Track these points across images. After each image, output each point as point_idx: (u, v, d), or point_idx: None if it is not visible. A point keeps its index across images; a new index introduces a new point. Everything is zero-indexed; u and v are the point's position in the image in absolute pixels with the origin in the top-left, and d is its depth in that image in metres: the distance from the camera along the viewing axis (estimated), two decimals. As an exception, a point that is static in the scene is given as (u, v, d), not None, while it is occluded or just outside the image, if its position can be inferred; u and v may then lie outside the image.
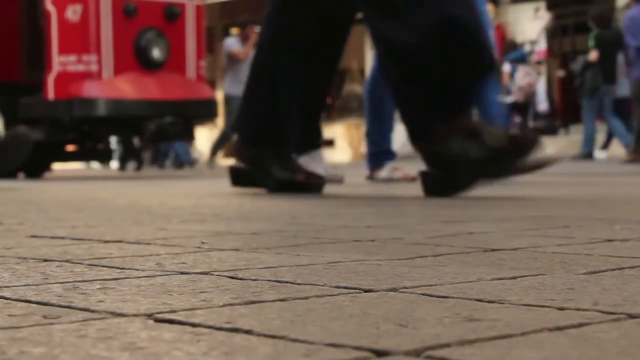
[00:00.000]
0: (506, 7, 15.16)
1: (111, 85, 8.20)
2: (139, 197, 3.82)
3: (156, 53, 8.37)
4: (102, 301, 1.03)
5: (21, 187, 5.36)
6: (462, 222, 2.18)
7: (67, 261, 1.44)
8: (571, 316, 0.90)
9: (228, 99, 12.00)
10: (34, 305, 1.01)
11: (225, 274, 1.27)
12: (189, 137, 9.03)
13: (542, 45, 15.68)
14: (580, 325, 0.86)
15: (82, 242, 1.77)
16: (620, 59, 11.46)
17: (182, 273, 1.28)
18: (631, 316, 0.90)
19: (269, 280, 1.19)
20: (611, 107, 11.86)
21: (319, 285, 1.14)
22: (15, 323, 0.89)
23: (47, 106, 8.29)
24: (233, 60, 12.14)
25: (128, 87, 8.27)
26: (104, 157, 10.04)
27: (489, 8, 13.11)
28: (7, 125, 8.87)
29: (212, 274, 1.26)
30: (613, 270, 1.28)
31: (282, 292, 1.09)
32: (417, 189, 4.27)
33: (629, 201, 3.18)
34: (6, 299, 1.06)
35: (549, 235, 1.81)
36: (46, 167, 9.47)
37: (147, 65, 8.35)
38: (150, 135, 8.52)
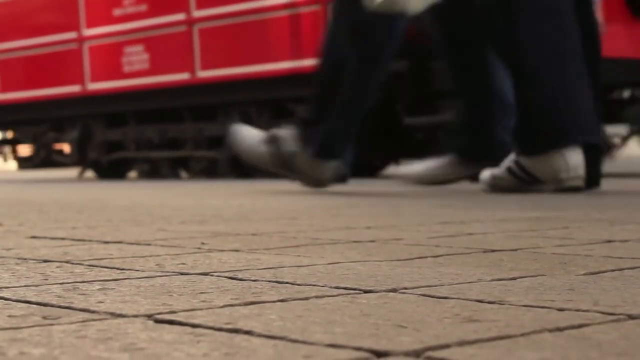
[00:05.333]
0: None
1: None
2: (139, 198, 3.82)
3: None
4: (102, 302, 1.03)
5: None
6: (462, 223, 2.18)
7: (67, 262, 1.44)
8: (571, 317, 0.90)
9: None
10: (34, 306, 1.01)
11: (225, 274, 1.27)
12: None
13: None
14: (580, 326, 0.86)
15: (82, 242, 1.77)
16: None
17: (182, 274, 1.28)
18: (631, 317, 0.90)
19: (269, 281, 1.19)
20: None
21: (319, 286, 1.14)
22: (15, 324, 0.89)
23: None
24: None
25: (621, 42, 6.05)
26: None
27: None
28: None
29: (212, 275, 1.26)
30: (613, 271, 1.28)
31: (282, 292, 1.09)
32: (415, 188, 4.27)
33: (626, 202, 3.18)
34: (6, 299, 1.06)
35: (549, 236, 1.82)
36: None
37: (637, 10, 6.14)
38: None
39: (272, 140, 4.23)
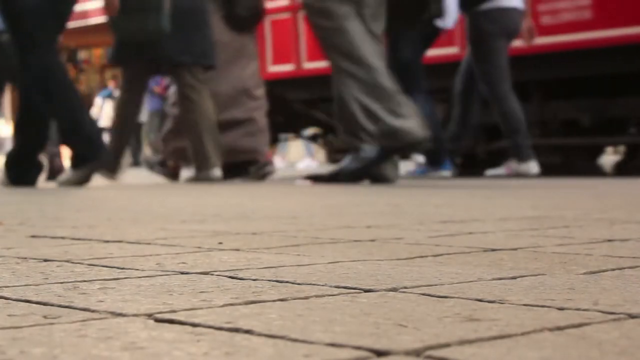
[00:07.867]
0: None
1: None
2: (139, 197, 3.82)
3: None
4: (102, 301, 1.03)
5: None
6: (462, 222, 2.18)
7: (67, 261, 1.44)
8: (571, 316, 0.90)
9: None
10: (34, 305, 1.01)
11: (226, 273, 1.27)
12: None
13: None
14: (581, 325, 0.86)
15: (82, 242, 1.77)
16: None
17: (182, 273, 1.28)
18: (631, 316, 0.90)
19: (269, 280, 1.19)
20: None
21: (319, 285, 1.14)
22: (16, 323, 0.89)
23: None
24: None
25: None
26: None
27: None
28: None
29: (212, 274, 1.26)
30: (613, 270, 1.28)
31: (282, 292, 1.09)
32: (416, 189, 4.27)
33: (626, 202, 3.18)
34: (6, 299, 1.06)
35: (549, 235, 1.81)
36: None
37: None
38: None
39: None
